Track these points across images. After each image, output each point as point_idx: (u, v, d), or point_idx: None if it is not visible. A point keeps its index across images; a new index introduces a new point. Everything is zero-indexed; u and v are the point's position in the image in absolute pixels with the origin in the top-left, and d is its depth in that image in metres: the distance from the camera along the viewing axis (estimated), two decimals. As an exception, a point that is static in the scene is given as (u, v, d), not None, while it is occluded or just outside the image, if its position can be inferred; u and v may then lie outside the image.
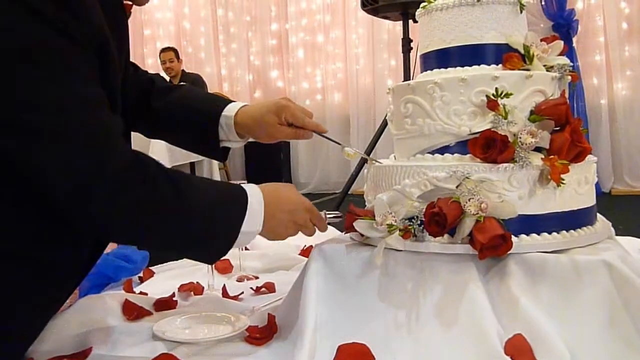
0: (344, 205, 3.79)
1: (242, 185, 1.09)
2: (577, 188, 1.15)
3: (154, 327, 1.19)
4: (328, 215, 1.24)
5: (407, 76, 3.68)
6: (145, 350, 1.09)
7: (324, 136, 1.37)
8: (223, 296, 1.45)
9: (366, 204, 1.34)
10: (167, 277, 1.69)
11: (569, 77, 1.24)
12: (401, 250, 1.13)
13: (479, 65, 1.22)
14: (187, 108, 1.34)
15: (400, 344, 1.04)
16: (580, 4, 4.85)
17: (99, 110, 0.93)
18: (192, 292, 1.47)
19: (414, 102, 1.22)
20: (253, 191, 1.08)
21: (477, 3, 1.22)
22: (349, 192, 3.86)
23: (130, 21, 2.29)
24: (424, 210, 1.11)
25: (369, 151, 3.80)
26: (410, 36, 3.69)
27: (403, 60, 3.68)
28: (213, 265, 1.58)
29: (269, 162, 5.95)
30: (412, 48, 3.67)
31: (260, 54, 6.16)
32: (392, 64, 5.73)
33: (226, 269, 1.73)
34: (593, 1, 4.86)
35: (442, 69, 1.26)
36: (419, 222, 1.12)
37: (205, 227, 1.01)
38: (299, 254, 1.83)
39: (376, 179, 1.25)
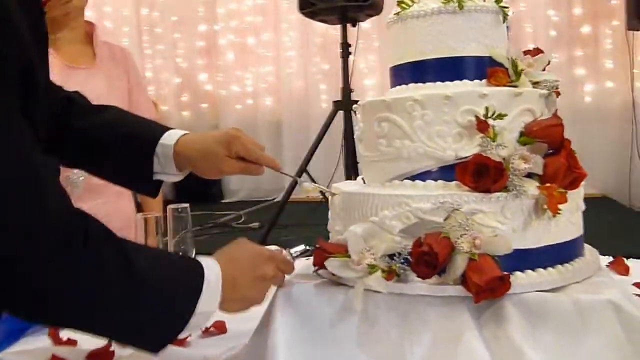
0: (284, 214, 3.62)
1: (197, 258, 0.95)
2: (570, 217, 1.05)
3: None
4: (293, 254, 1.09)
5: (345, 82, 3.57)
6: None
7: (280, 172, 1.24)
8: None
9: (330, 235, 1.19)
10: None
11: (554, 95, 1.13)
12: (379, 292, 0.99)
13: (460, 80, 1.10)
14: (117, 131, 1.16)
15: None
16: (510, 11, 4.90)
17: (27, 149, 0.75)
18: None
19: (390, 121, 1.08)
20: (208, 263, 0.93)
21: (458, 11, 1.10)
22: (288, 201, 3.70)
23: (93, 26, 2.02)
24: (407, 246, 0.97)
25: (304, 164, 3.67)
26: (349, 41, 3.59)
27: (342, 66, 3.56)
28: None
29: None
30: (350, 53, 3.57)
31: (188, 56, 5.90)
32: (326, 68, 5.62)
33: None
34: (522, 8, 4.92)
35: (419, 84, 1.13)
36: (401, 260, 0.97)
37: (156, 304, 0.85)
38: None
39: (346, 207, 1.10)
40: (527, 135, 1.03)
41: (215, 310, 0.93)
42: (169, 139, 1.14)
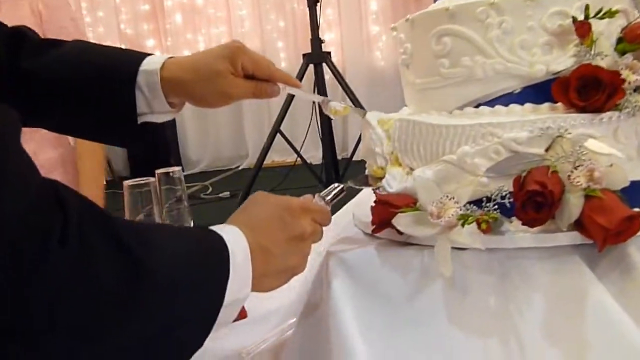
0: (256, 181, 3.38)
1: (217, 231, 0.69)
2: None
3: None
4: (327, 198, 0.86)
5: (314, 34, 3.31)
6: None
7: (297, 93, 1.00)
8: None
9: (389, 182, 0.95)
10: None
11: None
12: (464, 249, 0.78)
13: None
14: (82, 66, 0.89)
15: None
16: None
17: None
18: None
19: (454, 35, 0.85)
20: (232, 236, 0.69)
21: None
22: (262, 168, 3.44)
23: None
24: (501, 188, 0.76)
25: (277, 125, 3.41)
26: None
27: (309, 17, 3.29)
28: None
29: (153, 140, 5.36)
30: (319, 2, 3.30)
31: (132, 21, 5.50)
32: (281, 25, 5.33)
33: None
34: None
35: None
36: (494, 206, 0.76)
37: (174, 309, 0.60)
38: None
39: (404, 144, 0.88)
40: (629, 42, 0.82)
41: (248, 294, 0.70)
42: (152, 64, 0.88)
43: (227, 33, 5.42)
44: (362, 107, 3.19)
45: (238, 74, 0.89)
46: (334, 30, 5.22)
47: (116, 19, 5.51)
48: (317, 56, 3.28)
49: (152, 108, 0.89)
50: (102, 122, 0.91)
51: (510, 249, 0.76)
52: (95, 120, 0.92)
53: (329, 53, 3.36)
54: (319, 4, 3.34)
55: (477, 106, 0.85)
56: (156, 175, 1.21)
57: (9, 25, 0.92)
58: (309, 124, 3.59)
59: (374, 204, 0.83)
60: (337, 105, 1.00)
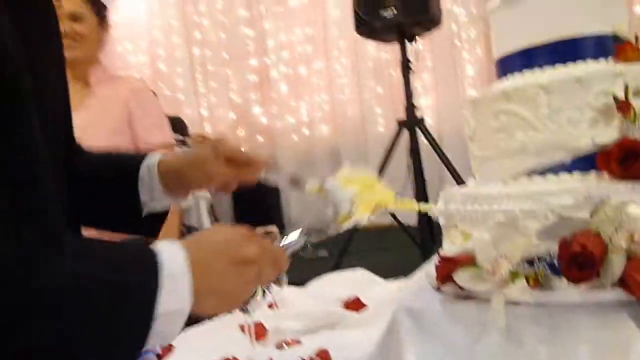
0: (353, 241, 3.51)
1: (152, 247, 0.72)
2: None
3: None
4: (283, 245, 0.89)
5: (408, 99, 3.46)
6: None
7: (271, 171, 1.07)
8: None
9: (445, 245, 1.08)
10: (190, 352, 1.39)
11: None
12: (519, 304, 0.87)
13: (582, 60, 0.98)
14: (99, 165, 1.05)
15: None
16: None
17: None
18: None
19: (509, 113, 0.96)
20: (170, 248, 0.72)
21: (572, -14, 0.99)
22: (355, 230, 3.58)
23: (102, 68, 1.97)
24: (549, 248, 0.85)
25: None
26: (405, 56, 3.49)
27: (404, 83, 3.46)
28: (250, 330, 1.29)
29: (259, 201, 5.65)
30: (411, 69, 3.47)
31: (241, 91, 5.92)
32: (380, 92, 5.53)
33: (260, 333, 1.44)
34: None
35: (535, 69, 1.01)
36: (543, 265, 0.85)
37: (91, 320, 0.65)
38: (344, 307, 1.55)
39: (465, 210, 0.99)
40: (671, 115, 0.91)
41: (187, 307, 0.70)
42: (152, 158, 1.03)
43: (329, 100, 5.70)
44: (456, 175, 3.28)
45: (220, 159, 1.00)
46: (429, 95, 5.35)
47: (227, 89, 5.96)
48: (410, 122, 3.41)
49: (152, 196, 1.01)
50: (112, 212, 1.04)
51: (560, 304, 0.84)
52: (107, 209, 1.04)
53: (422, 119, 3.49)
54: (413, 70, 3.51)
55: (530, 175, 0.95)
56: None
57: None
58: (404, 186, 3.70)
59: (438, 262, 0.94)
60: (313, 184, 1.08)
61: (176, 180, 1.01)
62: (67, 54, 1.96)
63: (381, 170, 3.51)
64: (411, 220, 4.64)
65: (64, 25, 1.84)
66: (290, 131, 5.79)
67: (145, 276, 0.68)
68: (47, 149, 0.77)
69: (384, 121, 5.50)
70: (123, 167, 1.04)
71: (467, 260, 0.91)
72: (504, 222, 0.90)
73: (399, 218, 3.84)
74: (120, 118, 1.97)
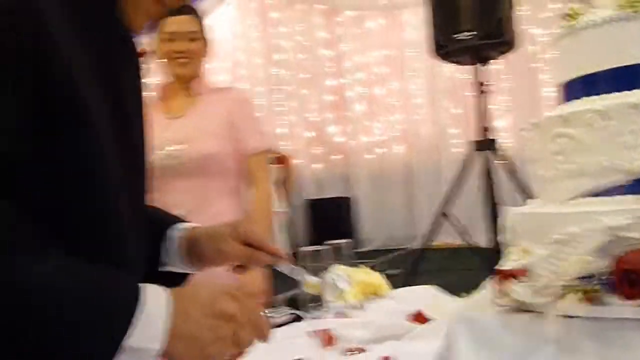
0: (423, 261, 3.55)
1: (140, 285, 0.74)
2: None
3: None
4: (267, 313, 0.92)
5: (482, 121, 3.49)
6: None
7: (283, 267, 1.10)
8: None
9: (504, 261, 1.13)
10: (261, 355, 1.48)
11: None
12: (574, 318, 0.91)
13: (635, 89, 1.02)
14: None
15: None
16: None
17: None
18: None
19: (567, 137, 1.02)
20: (154, 288, 0.74)
21: (633, 16, 1.03)
22: (427, 247, 3.62)
23: (204, 81, 2.11)
24: (603, 266, 0.89)
25: (443, 207, 3.59)
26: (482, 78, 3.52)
27: (477, 106, 3.49)
28: (321, 337, 1.38)
29: (331, 219, 5.76)
30: (484, 91, 3.50)
31: (318, 110, 6.09)
32: (454, 112, 5.56)
33: (327, 340, 1.52)
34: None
35: (594, 96, 1.06)
36: (597, 281, 0.90)
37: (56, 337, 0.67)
38: (409, 321, 1.61)
39: (525, 227, 1.04)
40: None
41: (157, 349, 0.71)
42: (181, 225, 1.08)
43: (403, 120, 5.77)
44: (529, 197, 3.26)
45: (237, 239, 1.04)
46: (506, 117, 5.32)
47: (304, 108, 6.14)
48: (484, 144, 3.43)
49: (170, 258, 1.06)
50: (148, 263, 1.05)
51: (613, 319, 0.88)
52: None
53: (494, 141, 3.50)
54: (487, 92, 3.53)
55: (586, 196, 1.00)
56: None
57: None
58: (478, 208, 3.71)
59: (496, 276, 1.00)
60: (311, 279, 1.11)
61: (193, 251, 1.05)
62: (181, 70, 2.15)
63: (453, 190, 3.55)
64: (482, 242, 4.62)
65: (181, 45, 2.08)
66: (365, 150, 5.89)
67: (123, 306, 0.70)
68: (120, 176, 0.81)
69: (458, 142, 5.51)
70: (155, 222, 1.06)
71: (524, 275, 0.97)
72: (561, 240, 0.95)
73: (472, 240, 3.85)
74: (223, 124, 2.13)
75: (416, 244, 5.50)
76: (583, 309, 0.89)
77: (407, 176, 5.74)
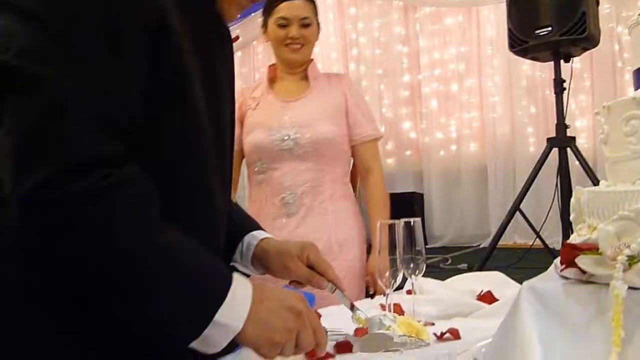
0: (492, 259, 3.55)
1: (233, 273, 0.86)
2: None
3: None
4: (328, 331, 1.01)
5: (559, 119, 3.45)
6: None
7: (339, 295, 1.17)
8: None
9: (571, 237, 1.17)
10: (334, 318, 1.57)
11: None
12: (638, 289, 0.96)
13: None
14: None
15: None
16: None
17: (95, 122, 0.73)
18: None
19: (639, 119, 1.05)
20: (240, 278, 0.85)
21: None
22: (496, 247, 3.62)
23: (316, 66, 2.24)
24: (668, 240, 0.93)
25: (517, 203, 3.58)
26: (562, 76, 3.48)
27: (555, 102, 3.46)
28: (390, 306, 1.46)
29: (402, 214, 5.78)
30: (565, 89, 3.46)
31: (393, 105, 6.13)
32: (532, 111, 5.48)
33: (398, 313, 1.60)
34: None
35: (669, 81, 1.09)
36: (662, 255, 0.94)
37: (172, 296, 0.77)
38: (477, 300, 1.66)
39: (593, 205, 1.09)
40: None
41: (237, 329, 0.81)
42: (258, 233, 1.20)
43: (479, 118, 5.73)
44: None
45: (302, 259, 1.15)
46: (586, 117, 5.21)
47: (379, 103, 6.20)
48: (561, 141, 3.40)
49: (242, 261, 1.18)
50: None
51: (675, 291, 0.92)
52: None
53: (574, 138, 3.46)
54: (567, 91, 3.49)
55: (656, 176, 1.03)
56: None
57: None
58: (550, 207, 3.68)
59: (563, 247, 1.05)
60: (361, 314, 1.16)
61: (261, 260, 1.17)
62: (294, 56, 2.25)
63: (528, 188, 3.53)
64: (556, 243, 4.55)
65: (294, 31, 2.12)
66: (439, 147, 5.89)
67: (218, 285, 0.81)
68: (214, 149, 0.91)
69: (535, 141, 5.43)
70: (237, 221, 1.17)
71: (590, 248, 1.02)
72: (626, 216, 0.99)
73: (545, 240, 3.81)
74: (338, 108, 2.18)
75: (488, 243, 5.48)
76: (646, 280, 0.93)
77: (481, 174, 5.71)
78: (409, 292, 1.72)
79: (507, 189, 5.48)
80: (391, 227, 1.42)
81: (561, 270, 1.07)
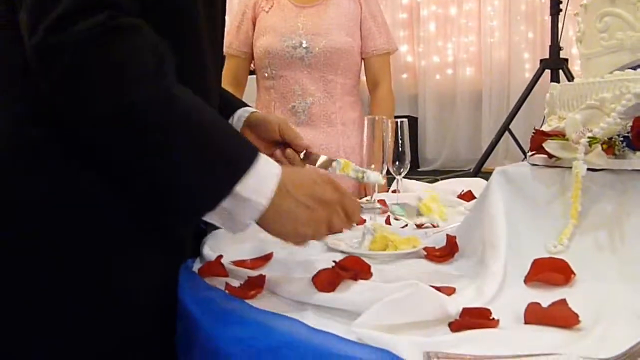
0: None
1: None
2: None
3: (328, 242, 1.18)
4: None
5: (554, 40, 3.48)
6: (325, 257, 1.07)
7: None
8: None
9: (546, 128, 1.25)
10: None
11: None
12: (598, 170, 1.05)
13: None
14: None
15: (604, 263, 0.96)
16: None
17: None
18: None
19: (612, 15, 1.12)
20: (265, 157, 0.82)
21: None
22: (481, 170, 3.72)
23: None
24: (626, 126, 1.02)
25: (507, 123, 3.65)
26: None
27: (551, 24, 3.48)
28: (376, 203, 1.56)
29: (395, 137, 5.86)
30: (561, 10, 3.47)
31: (390, 27, 6.07)
32: (530, 37, 5.48)
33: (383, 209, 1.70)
34: None
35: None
36: (620, 139, 1.02)
37: (190, 161, 0.75)
38: (458, 197, 1.77)
39: (564, 98, 1.17)
40: None
41: (263, 203, 0.79)
42: (250, 109, 1.23)
43: (476, 42, 5.72)
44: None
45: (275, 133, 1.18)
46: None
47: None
48: (554, 62, 3.44)
49: None
50: None
51: (630, 170, 1.01)
52: None
53: (567, 60, 3.50)
54: (564, 13, 3.50)
55: (625, 69, 1.11)
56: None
57: None
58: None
59: (533, 134, 1.14)
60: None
61: (252, 129, 1.19)
62: None
63: (518, 108, 3.60)
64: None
65: None
66: (435, 71, 5.91)
67: (242, 156, 0.78)
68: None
69: (531, 67, 5.45)
70: (225, 103, 1.16)
71: (558, 135, 1.10)
72: (593, 105, 1.07)
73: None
74: (354, 19, 2.17)
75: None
76: (604, 161, 1.02)
77: (476, 99, 5.75)
78: (394, 191, 1.82)
79: (500, 114, 5.52)
80: (379, 123, 1.49)
81: (530, 156, 1.17)
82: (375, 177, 1.16)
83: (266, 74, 2.19)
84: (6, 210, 0.79)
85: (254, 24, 2.21)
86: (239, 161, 0.78)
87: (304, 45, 2.11)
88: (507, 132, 3.56)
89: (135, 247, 0.86)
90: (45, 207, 0.80)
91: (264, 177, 0.79)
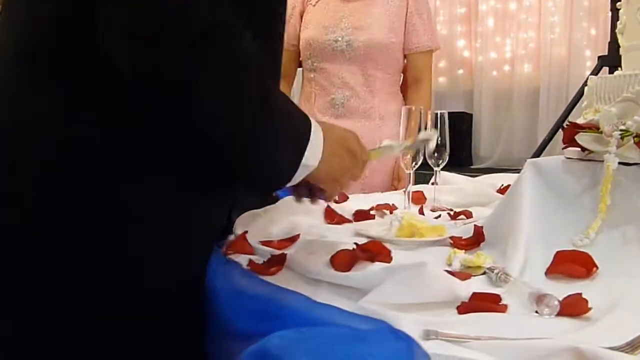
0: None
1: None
2: None
3: (356, 227, 1.20)
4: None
5: (612, 36, 3.37)
6: (351, 241, 1.09)
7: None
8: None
9: (581, 120, 1.23)
10: (360, 201, 1.70)
11: None
12: (631, 165, 1.03)
13: None
14: None
15: (629, 258, 0.95)
16: None
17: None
18: (388, 212, 1.47)
19: (654, 6, 1.09)
20: (316, 125, 0.93)
21: None
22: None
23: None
24: (663, 120, 1.00)
25: (561, 120, 3.56)
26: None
27: (611, 19, 3.38)
28: (408, 193, 1.57)
29: (450, 133, 5.79)
30: (619, 8, 3.35)
31: (448, 22, 6.01)
32: (592, 34, 5.31)
33: (419, 199, 1.70)
34: None
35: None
36: (655, 133, 1.00)
37: (277, 144, 0.86)
38: (497, 192, 1.75)
39: (601, 91, 1.15)
40: None
41: (315, 165, 0.90)
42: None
43: (535, 38, 5.58)
44: None
45: None
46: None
47: (434, 20, 6.08)
48: (612, 59, 3.34)
49: None
50: None
51: (663, 166, 0.99)
52: None
53: (625, 57, 3.38)
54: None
55: (665, 62, 1.08)
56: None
57: None
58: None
59: (566, 126, 1.13)
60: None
61: None
62: None
63: (574, 105, 3.51)
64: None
65: None
66: (491, 67, 5.80)
67: (305, 132, 0.89)
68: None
69: (592, 64, 5.27)
70: None
71: (592, 127, 1.09)
72: (629, 97, 1.05)
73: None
74: (399, 15, 2.17)
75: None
76: (637, 155, 1.00)
77: (533, 97, 5.61)
78: (433, 183, 1.82)
79: (558, 113, 5.36)
80: (415, 114, 1.50)
81: (563, 149, 1.15)
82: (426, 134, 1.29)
83: (308, 66, 2.23)
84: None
85: (301, 18, 2.25)
86: (304, 136, 0.88)
87: (345, 39, 2.13)
88: (561, 130, 3.47)
89: (179, 226, 0.91)
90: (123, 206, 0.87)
91: (317, 144, 0.90)
